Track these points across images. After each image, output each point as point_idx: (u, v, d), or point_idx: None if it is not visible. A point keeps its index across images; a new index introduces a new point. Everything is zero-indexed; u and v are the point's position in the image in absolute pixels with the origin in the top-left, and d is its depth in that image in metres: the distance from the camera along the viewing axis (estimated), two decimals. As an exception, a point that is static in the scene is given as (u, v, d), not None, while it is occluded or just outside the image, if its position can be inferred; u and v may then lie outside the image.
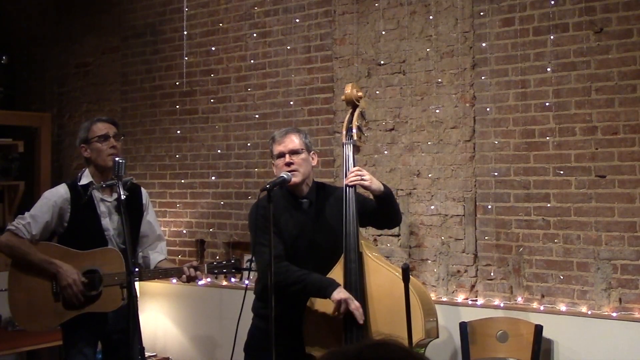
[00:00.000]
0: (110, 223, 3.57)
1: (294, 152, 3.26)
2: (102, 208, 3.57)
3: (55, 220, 3.53)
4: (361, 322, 3.04)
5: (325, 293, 3.07)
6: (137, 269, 3.47)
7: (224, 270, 3.57)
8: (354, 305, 3.04)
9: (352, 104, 3.34)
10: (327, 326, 3.12)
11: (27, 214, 3.54)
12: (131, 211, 3.53)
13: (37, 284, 3.47)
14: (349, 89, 3.34)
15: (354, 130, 3.29)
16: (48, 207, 3.52)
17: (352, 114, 3.34)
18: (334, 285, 3.08)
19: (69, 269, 3.43)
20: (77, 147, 3.68)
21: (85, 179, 3.59)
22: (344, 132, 3.32)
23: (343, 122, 3.39)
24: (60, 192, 3.56)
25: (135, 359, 3.22)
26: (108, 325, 3.55)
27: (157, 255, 3.73)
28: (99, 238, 3.53)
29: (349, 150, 3.27)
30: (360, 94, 3.36)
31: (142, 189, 3.84)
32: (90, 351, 3.58)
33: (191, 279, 3.52)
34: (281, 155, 3.27)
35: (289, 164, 3.24)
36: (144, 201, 3.76)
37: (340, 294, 3.05)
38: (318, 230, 3.27)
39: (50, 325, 3.55)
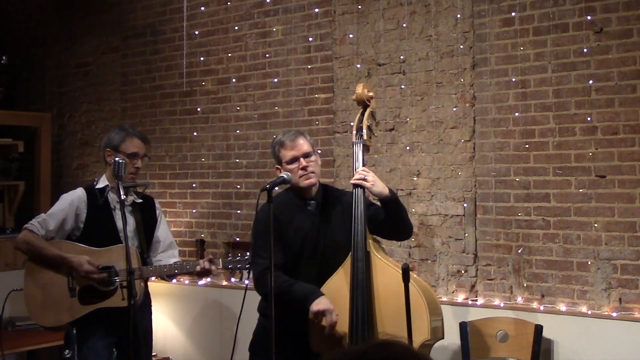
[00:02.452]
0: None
1: (307, 155, 3.25)
2: (117, 210, 3.62)
3: (71, 220, 3.60)
4: (326, 332, 3.04)
5: (305, 304, 3.07)
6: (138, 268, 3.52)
7: (239, 266, 3.56)
8: (329, 319, 3.03)
9: (363, 103, 3.34)
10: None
11: (43, 213, 3.67)
12: (145, 218, 3.71)
13: (53, 279, 3.54)
14: (360, 89, 3.33)
15: (364, 130, 3.28)
16: (65, 206, 3.61)
17: (362, 114, 3.33)
18: (313, 296, 3.08)
19: (78, 260, 3.48)
20: (102, 148, 3.73)
21: (102, 183, 3.69)
22: (354, 132, 3.30)
23: (353, 122, 3.37)
24: (77, 194, 3.66)
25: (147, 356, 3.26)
26: (124, 320, 3.54)
27: (171, 260, 3.76)
28: (113, 239, 3.59)
29: (358, 150, 3.25)
30: (371, 93, 3.35)
31: (155, 199, 3.94)
32: (106, 352, 3.60)
33: (205, 272, 3.57)
34: (295, 159, 3.24)
35: (305, 168, 3.23)
36: (157, 209, 3.85)
37: (318, 305, 3.04)
38: (324, 232, 3.26)
39: (65, 321, 3.59)
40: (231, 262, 3.57)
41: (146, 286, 3.68)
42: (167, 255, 3.79)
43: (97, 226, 3.61)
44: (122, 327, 3.51)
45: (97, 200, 3.62)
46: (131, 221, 3.63)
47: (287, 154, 3.26)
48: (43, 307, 3.56)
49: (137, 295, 3.35)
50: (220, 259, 3.61)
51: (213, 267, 3.56)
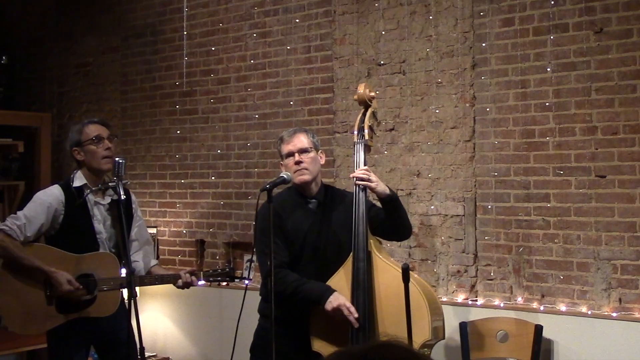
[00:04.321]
0: (102, 226, 3.51)
1: (303, 151, 3.27)
2: (95, 211, 3.51)
3: (48, 223, 3.44)
4: (356, 326, 3.03)
5: (320, 303, 3.07)
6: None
7: (219, 278, 3.57)
8: (347, 311, 3.03)
9: (365, 103, 3.34)
10: (334, 325, 3.11)
11: (20, 214, 3.44)
12: (122, 215, 3.48)
13: (29, 286, 3.38)
14: (361, 89, 3.33)
15: (366, 130, 3.28)
16: (43, 209, 3.43)
17: (364, 114, 3.33)
18: (327, 293, 3.08)
19: (57, 279, 3.32)
20: (69, 150, 3.57)
21: (78, 180, 3.51)
22: (356, 132, 3.31)
23: (354, 122, 3.37)
24: (55, 194, 3.47)
25: (135, 358, 3.21)
26: (101, 328, 3.47)
27: (147, 260, 3.67)
28: (90, 241, 3.47)
29: (360, 150, 3.27)
30: (372, 94, 3.36)
31: (131, 193, 3.75)
32: (80, 359, 3.51)
33: (187, 285, 3.49)
34: (290, 154, 3.28)
35: (298, 163, 3.25)
36: (133, 205, 3.69)
37: (333, 302, 3.05)
38: (325, 231, 3.27)
39: (42, 330, 3.46)
40: (212, 274, 3.54)
41: (122, 295, 3.51)
42: (142, 255, 3.65)
43: (74, 228, 3.46)
44: (99, 332, 3.47)
45: (74, 200, 3.45)
46: (108, 221, 3.50)
47: (284, 149, 3.31)
48: (19, 316, 3.41)
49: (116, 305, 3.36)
50: (202, 272, 3.55)
51: (194, 279, 3.49)
